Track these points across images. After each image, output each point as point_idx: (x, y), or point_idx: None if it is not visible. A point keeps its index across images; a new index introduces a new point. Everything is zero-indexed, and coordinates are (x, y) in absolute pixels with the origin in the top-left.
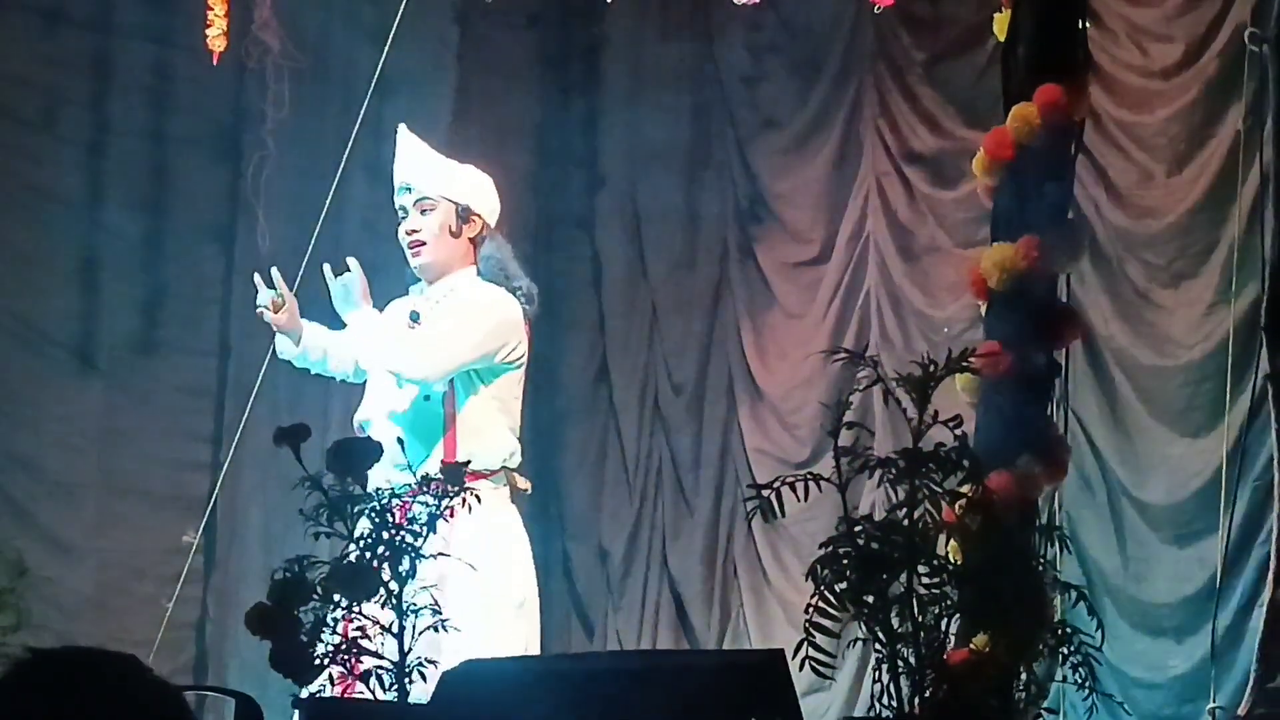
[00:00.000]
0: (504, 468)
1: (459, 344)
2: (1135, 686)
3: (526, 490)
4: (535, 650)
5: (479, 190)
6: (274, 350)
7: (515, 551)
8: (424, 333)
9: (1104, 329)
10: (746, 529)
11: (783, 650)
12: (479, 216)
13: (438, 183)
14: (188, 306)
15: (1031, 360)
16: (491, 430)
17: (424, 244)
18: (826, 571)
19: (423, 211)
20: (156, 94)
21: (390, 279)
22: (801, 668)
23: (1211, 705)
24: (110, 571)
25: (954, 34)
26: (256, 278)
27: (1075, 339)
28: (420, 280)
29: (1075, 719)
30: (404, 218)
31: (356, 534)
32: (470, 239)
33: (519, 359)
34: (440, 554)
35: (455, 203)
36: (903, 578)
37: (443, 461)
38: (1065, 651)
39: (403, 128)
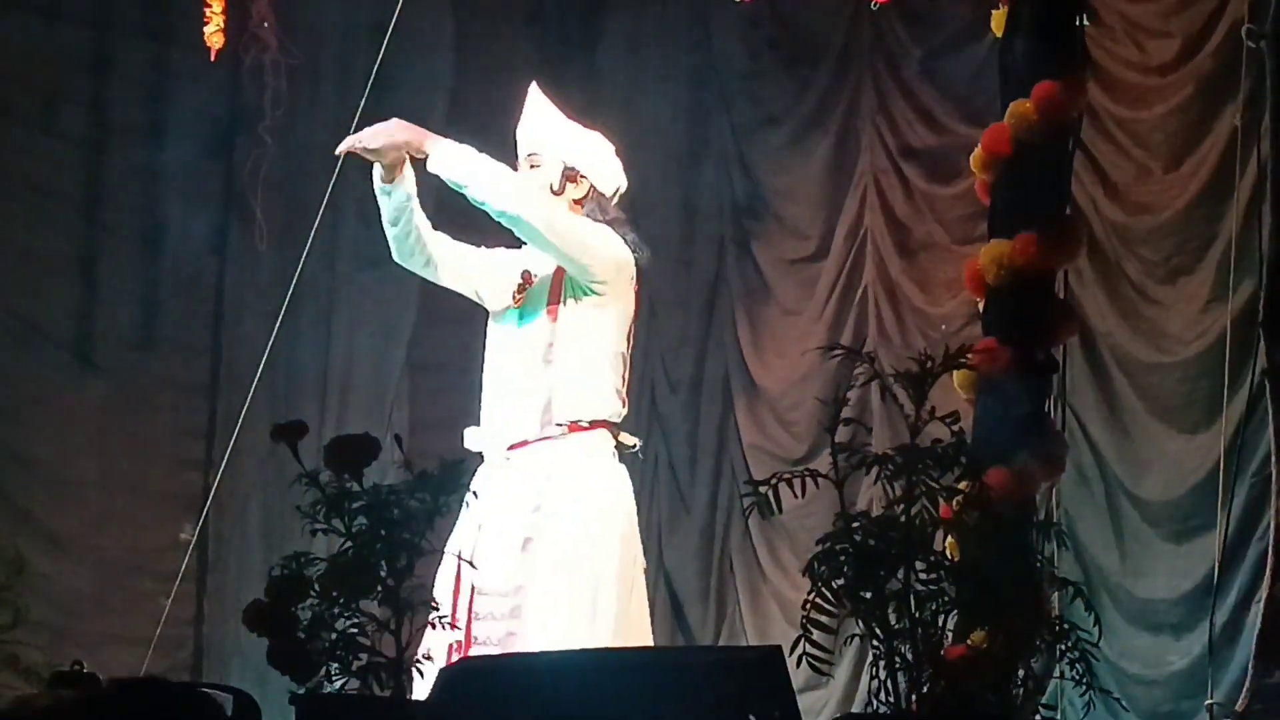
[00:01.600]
0: (606, 421)
1: (589, 230)
2: (1133, 683)
3: (635, 447)
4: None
5: (590, 154)
6: (270, 347)
7: (604, 519)
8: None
9: (1101, 325)
10: (743, 526)
11: (780, 647)
12: (584, 179)
13: (548, 141)
14: (185, 304)
15: (1029, 356)
16: (595, 380)
17: None
18: (824, 568)
19: (531, 167)
20: (154, 91)
21: (389, 274)
22: (799, 664)
23: (1209, 701)
24: (108, 568)
25: (952, 30)
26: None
27: (1072, 335)
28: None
29: (1073, 715)
30: None
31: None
32: (576, 200)
33: (630, 298)
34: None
35: (563, 162)
36: (900, 574)
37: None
38: (1063, 648)
39: (534, 87)
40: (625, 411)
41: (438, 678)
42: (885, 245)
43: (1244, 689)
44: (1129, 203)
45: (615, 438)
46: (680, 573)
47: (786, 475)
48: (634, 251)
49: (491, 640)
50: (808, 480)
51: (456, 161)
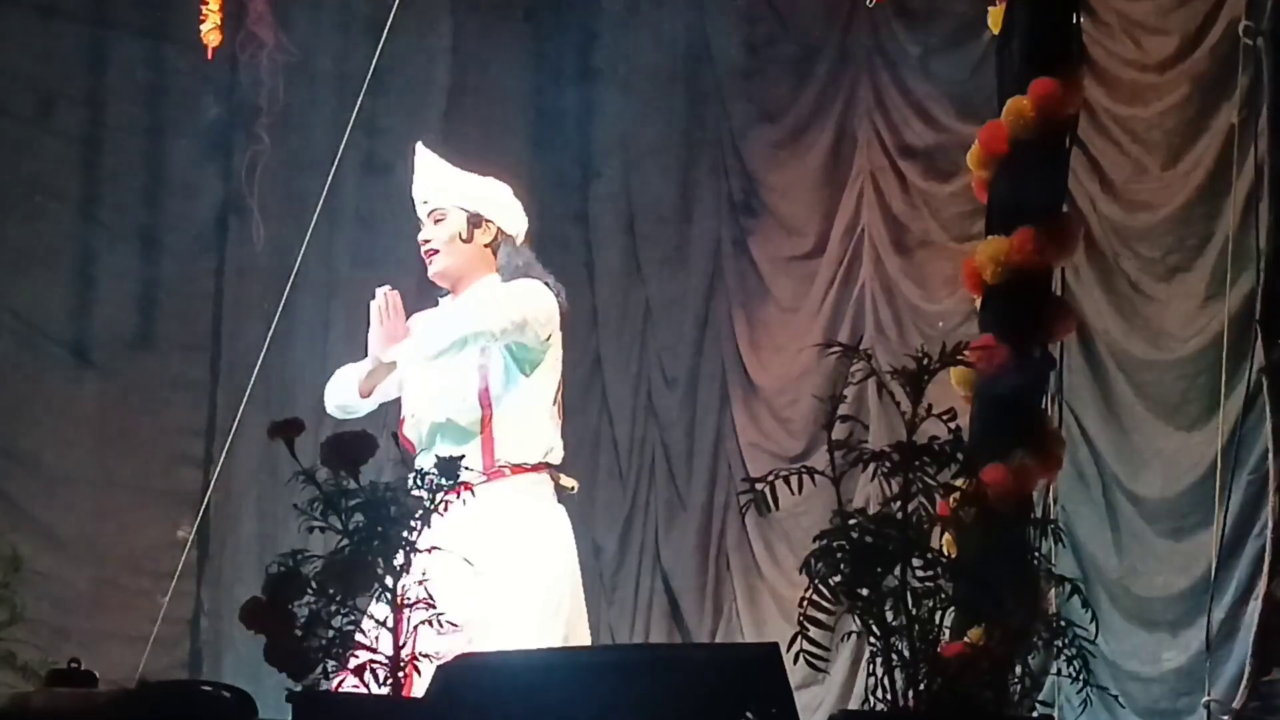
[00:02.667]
0: (545, 464)
1: (489, 308)
2: (1130, 680)
3: (572, 489)
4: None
5: (490, 198)
6: (268, 345)
7: (547, 552)
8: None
9: (1098, 322)
10: (740, 523)
11: (777, 644)
12: (491, 222)
13: (448, 193)
14: (182, 301)
15: (1026, 354)
16: (532, 425)
17: (436, 251)
18: (821, 565)
19: (435, 221)
20: (151, 89)
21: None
22: (796, 661)
23: (1207, 699)
24: (105, 566)
25: (948, 28)
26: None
27: (1070, 333)
28: (447, 293)
29: (1070, 713)
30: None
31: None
32: (486, 245)
33: (555, 351)
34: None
35: (465, 210)
36: (897, 571)
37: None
38: (1060, 645)
39: (419, 146)
40: (562, 455)
41: (435, 674)
42: (882, 243)
43: (1241, 686)
44: (1126, 200)
45: (555, 480)
46: (677, 570)
47: (783, 472)
48: (556, 295)
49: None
50: (804, 477)
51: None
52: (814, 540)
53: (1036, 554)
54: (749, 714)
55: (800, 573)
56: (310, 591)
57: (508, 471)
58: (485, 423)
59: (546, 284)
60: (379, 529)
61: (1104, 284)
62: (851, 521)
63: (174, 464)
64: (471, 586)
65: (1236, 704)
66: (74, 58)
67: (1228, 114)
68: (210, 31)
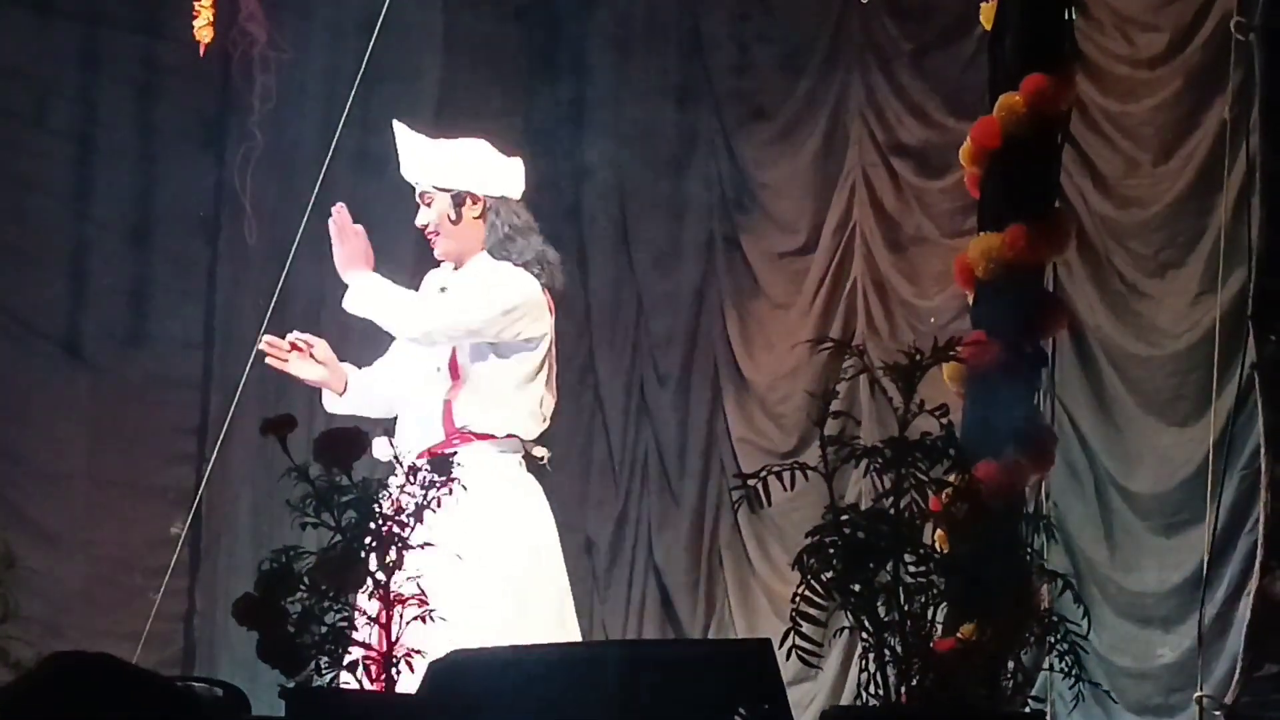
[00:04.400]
0: (513, 435)
1: (470, 313)
2: (1122, 675)
3: (543, 460)
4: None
5: (470, 168)
6: (261, 341)
7: (515, 518)
8: (441, 300)
9: (1091, 319)
10: (732, 519)
11: (770, 640)
12: (476, 195)
13: (428, 173)
14: (175, 298)
15: (1018, 350)
16: (500, 399)
17: (436, 234)
18: (813, 561)
19: (426, 204)
20: (143, 86)
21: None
22: (788, 657)
23: (1199, 694)
24: (98, 564)
25: (941, 24)
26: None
27: (1062, 329)
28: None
29: (1063, 708)
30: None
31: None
32: (476, 218)
33: (536, 338)
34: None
35: (448, 190)
36: (889, 567)
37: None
38: (1052, 640)
39: (396, 123)
40: (545, 426)
41: (427, 671)
42: (874, 239)
43: (1234, 682)
44: (1118, 196)
45: (526, 450)
46: (669, 566)
47: (775, 468)
48: (539, 268)
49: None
50: (797, 473)
51: (366, 302)
52: (806, 536)
53: (1028, 550)
54: (741, 710)
55: (793, 568)
56: (303, 588)
57: (472, 438)
58: (452, 391)
59: (529, 260)
60: (371, 525)
61: (1096, 280)
62: (844, 517)
63: (167, 461)
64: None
65: (1228, 699)
66: (67, 54)
67: (1219, 110)
68: (203, 28)
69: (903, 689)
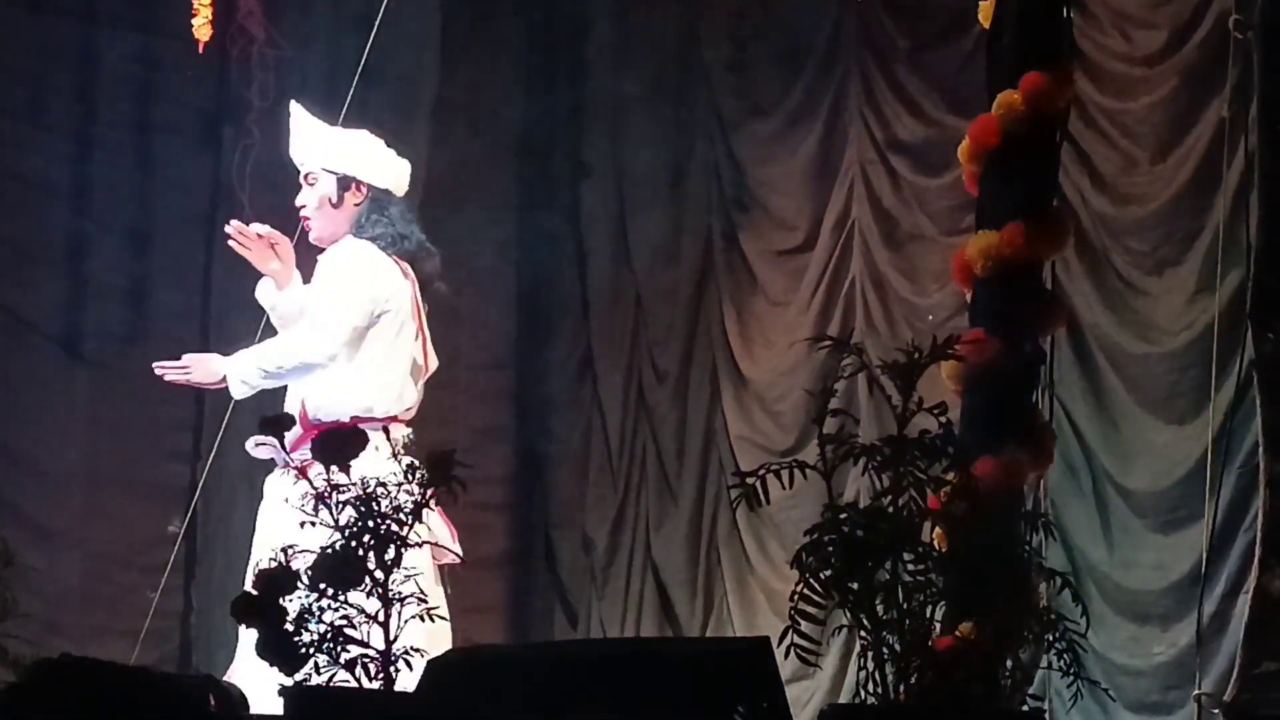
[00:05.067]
0: (362, 418)
1: (340, 313)
2: (1120, 673)
3: (405, 440)
4: None
5: (359, 157)
6: (258, 339)
7: None
8: (308, 321)
9: (1089, 316)
10: (731, 517)
11: (769, 638)
12: (361, 183)
13: (317, 155)
14: (173, 296)
15: (1017, 347)
16: (346, 381)
17: (309, 217)
18: (811, 559)
19: (309, 185)
20: (142, 83)
21: None
22: (787, 655)
23: (1197, 692)
24: (96, 561)
25: (939, 21)
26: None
27: (1060, 326)
28: None
29: (1061, 706)
30: None
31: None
32: (357, 205)
33: (390, 308)
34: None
35: (334, 173)
36: (888, 565)
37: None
38: (1050, 638)
39: (293, 104)
40: (413, 403)
41: (425, 669)
42: (872, 236)
43: (1232, 679)
44: (1116, 194)
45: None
46: (668, 564)
47: (774, 466)
48: (395, 244)
49: None
50: (795, 472)
51: (245, 380)
52: (805, 534)
53: (1027, 548)
54: (740, 707)
55: (791, 567)
56: (301, 586)
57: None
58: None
59: (402, 239)
60: (370, 524)
61: (1094, 278)
62: (842, 515)
63: (165, 459)
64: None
65: (1228, 697)
66: (65, 52)
67: (1217, 108)
68: (201, 26)
69: (901, 687)
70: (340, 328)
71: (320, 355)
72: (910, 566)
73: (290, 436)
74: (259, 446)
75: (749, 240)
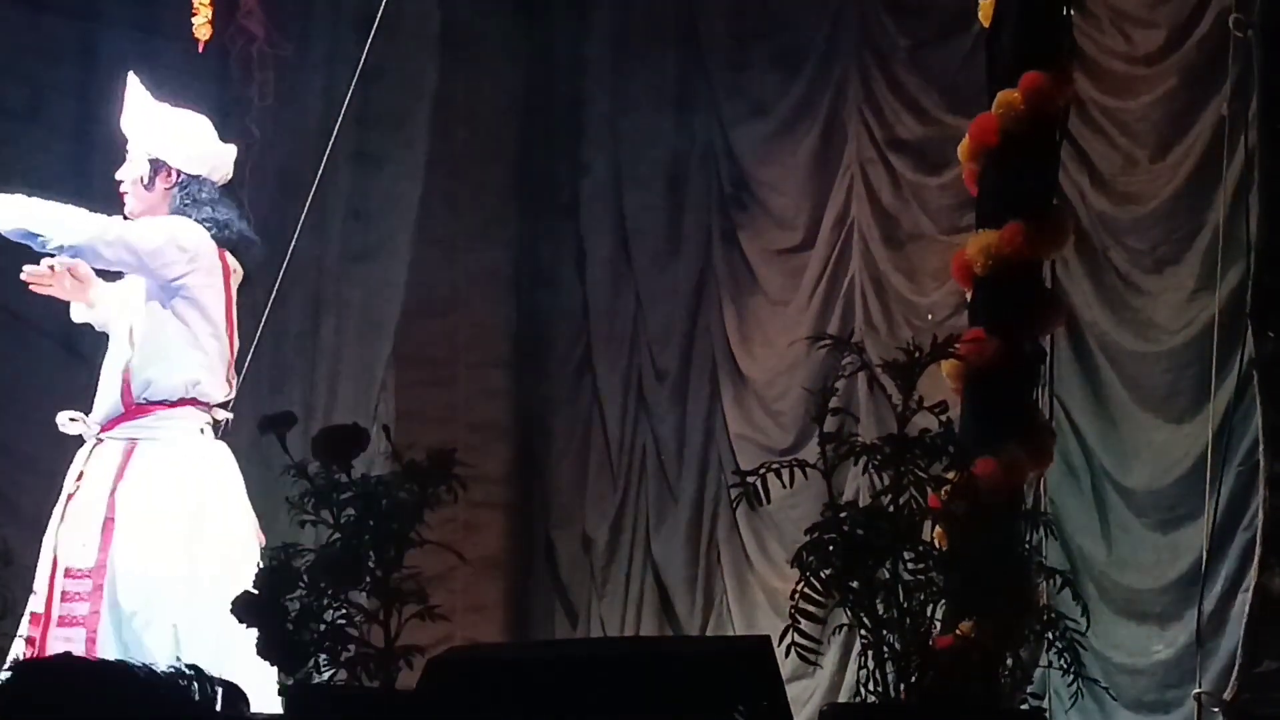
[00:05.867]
0: (192, 399)
1: (138, 231)
2: (1119, 672)
3: (224, 422)
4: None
5: (175, 141)
6: (258, 340)
7: (199, 486)
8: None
9: (1088, 315)
10: (730, 516)
11: (769, 637)
12: (173, 168)
13: (136, 135)
14: None
15: (1016, 346)
16: (173, 358)
17: (126, 193)
18: (812, 558)
19: (129, 161)
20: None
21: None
22: (787, 654)
23: (1197, 691)
24: None
25: (938, 20)
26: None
27: (1060, 325)
28: None
29: (1060, 705)
30: None
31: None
32: (167, 189)
33: (189, 276)
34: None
35: (149, 156)
36: (888, 564)
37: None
38: (1050, 637)
39: (131, 77)
40: (228, 390)
41: (425, 668)
42: (872, 235)
43: (1232, 678)
44: (1115, 192)
45: (209, 413)
46: (668, 563)
47: (774, 465)
48: (215, 230)
49: (76, 619)
50: (795, 470)
51: (16, 216)
52: (805, 533)
53: (1026, 546)
54: (740, 706)
55: (791, 565)
56: (302, 585)
57: (151, 409)
58: (131, 358)
59: (226, 226)
60: (370, 522)
61: (1093, 276)
62: (842, 514)
63: None
64: (99, 537)
65: (1228, 696)
66: (65, 51)
67: (1216, 106)
68: (201, 25)
69: (901, 686)
70: (122, 228)
71: (87, 228)
72: (910, 565)
73: (107, 411)
74: (71, 422)
75: (748, 239)
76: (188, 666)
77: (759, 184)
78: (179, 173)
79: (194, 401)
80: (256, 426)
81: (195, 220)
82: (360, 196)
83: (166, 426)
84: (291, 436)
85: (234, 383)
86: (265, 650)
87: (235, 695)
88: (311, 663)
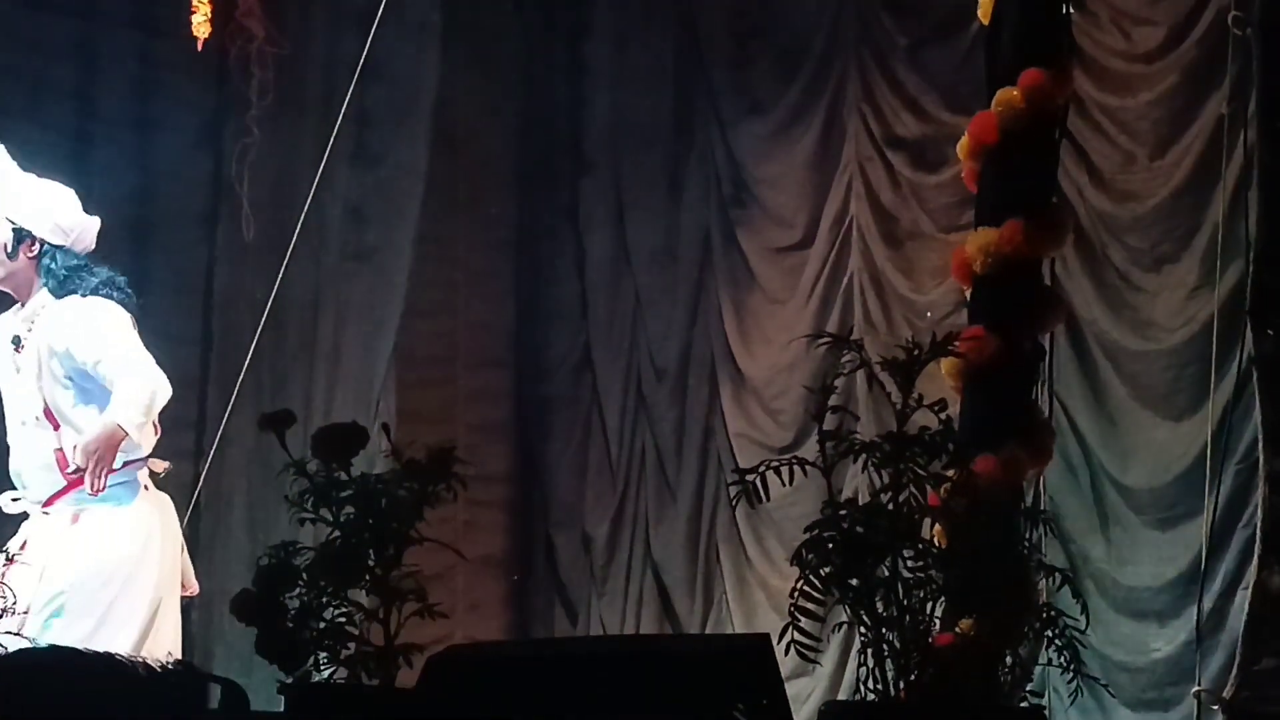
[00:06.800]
0: (128, 461)
1: (141, 354)
2: (1119, 670)
3: (161, 473)
4: None
5: (38, 212)
6: (257, 339)
7: (132, 551)
8: (128, 371)
9: (1087, 313)
10: (730, 514)
11: (769, 635)
12: (37, 238)
13: (1, 202)
14: (172, 294)
15: (1016, 344)
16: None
17: None
18: (811, 556)
19: None
20: (140, 81)
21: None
22: (786, 652)
23: (1197, 689)
24: None
25: (937, 18)
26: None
27: (1059, 323)
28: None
29: (1059, 703)
30: None
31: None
32: (32, 259)
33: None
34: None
35: (12, 224)
36: (888, 562)
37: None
38: (1050, 635)
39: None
40: (155, 434)
41: (425, 666)
42: (871, 233)
43: (1232, 676)
44: (1115, 190)
45: (145, 466)
46: (667, 561)
47: (773, 463)
48: (111, 290)
49: None
50: (794, 468)
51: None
52: (804, 531)
53: (1026, 545)
54: (740, 705)
55: (791, 564)
56: (301, 583)
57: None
58: (59, 438)
59: (111, 285)
60: (370, 521)
61: (1092, 274)
62: (842, 512)
63: (165, 456)
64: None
65: (1228, 694)
66: (64, 50)
67: (1216, 104)
68: (200, 24)
69: (901, 683)
70: (143, 357)
71: (163, 393)
72: (910, 563)
73: (44, 489)
74: (14, 502)
75: (747, 237)
76: (181, 663)
77: (758, 182)
78: (43, 242)
79: (129, 464)
80: (256, 425)
81: (86, 295)
82: (359, 195)
83: (110, 490)
84: (291, 435)
85: (158, 427)
86: (264, 649)
87: (235, 695)
88: (311, 661)
